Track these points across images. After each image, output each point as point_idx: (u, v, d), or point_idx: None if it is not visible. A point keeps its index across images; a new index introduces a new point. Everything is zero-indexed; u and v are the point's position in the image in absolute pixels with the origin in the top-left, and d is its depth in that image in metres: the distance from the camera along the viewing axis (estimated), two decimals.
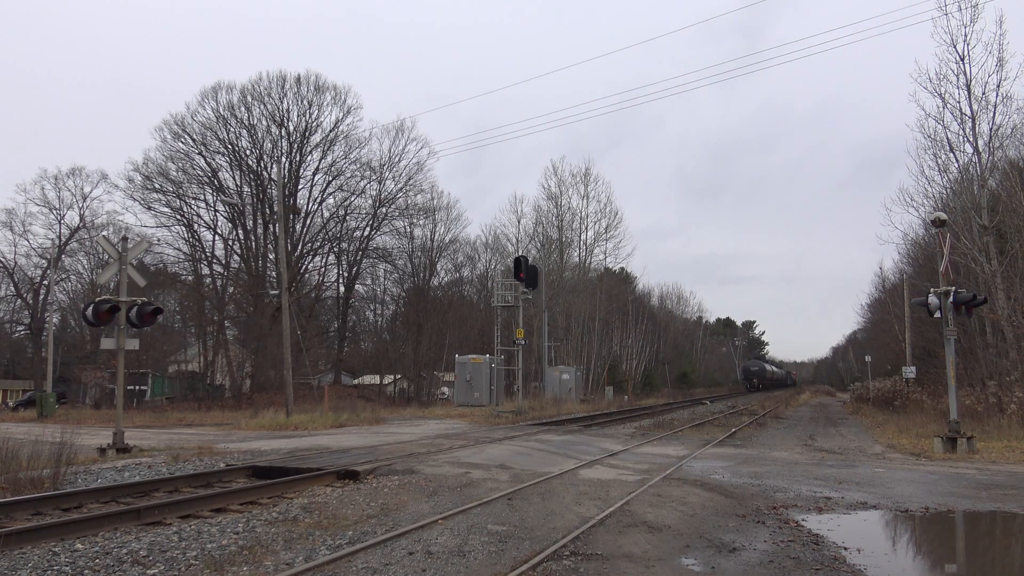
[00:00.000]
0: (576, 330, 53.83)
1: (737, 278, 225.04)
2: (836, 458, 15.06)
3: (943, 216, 17.43)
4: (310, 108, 46.69)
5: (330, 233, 48.77)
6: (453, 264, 57.29)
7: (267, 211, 45.38)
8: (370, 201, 49.15)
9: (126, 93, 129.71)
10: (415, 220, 50.56)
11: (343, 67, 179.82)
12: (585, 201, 56.83)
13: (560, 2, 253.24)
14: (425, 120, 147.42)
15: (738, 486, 10.73)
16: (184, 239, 46.21)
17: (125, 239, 16.81)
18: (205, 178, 46.02)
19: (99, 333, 32.93)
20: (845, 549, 6.92)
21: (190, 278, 47.33)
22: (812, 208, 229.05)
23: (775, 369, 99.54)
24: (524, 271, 29.09)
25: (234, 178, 46.85)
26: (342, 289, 51.53)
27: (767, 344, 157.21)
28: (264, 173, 46.34)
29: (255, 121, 46.03)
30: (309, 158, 47.48)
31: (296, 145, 46.78)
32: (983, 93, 23.77)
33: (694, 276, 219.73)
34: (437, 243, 52.04)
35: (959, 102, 24.23)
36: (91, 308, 15.52)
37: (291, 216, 44.08)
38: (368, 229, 49.49)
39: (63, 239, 51.06)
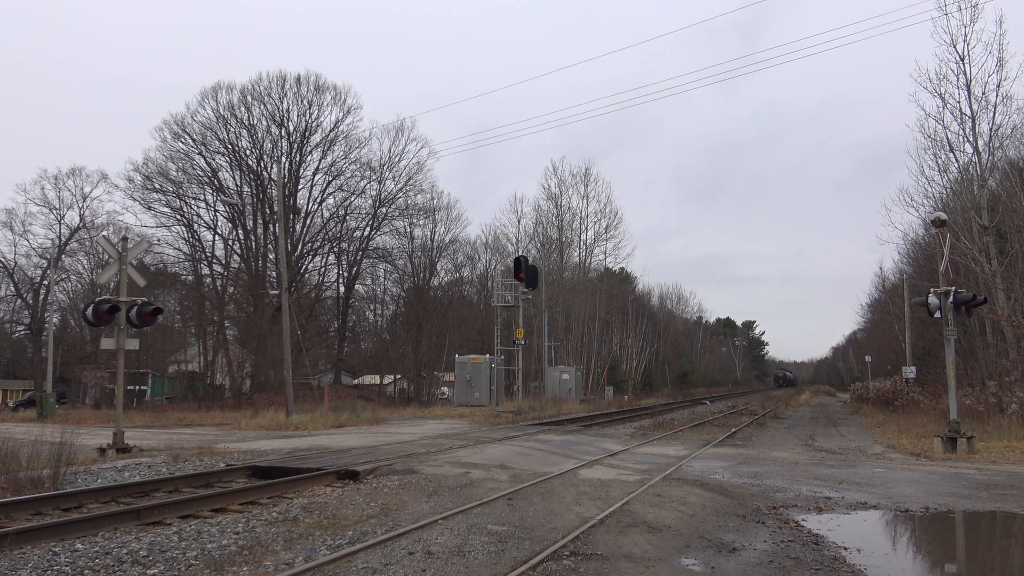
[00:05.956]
0: (576, 330, 53.83)
1: (737, 278, 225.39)
2: (836, 458, 15.06)
3: (943, 216, 17.42)
4: (310, 108, 46.70)
5: (330, 233, 48.77)
6: (453, 264, 57.32)
7: (267, 211, 45.35)
8: (370, 201, 49.17)
9: (126, 93, 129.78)
10: (415, 220, 50.57)
11: (343, 67, 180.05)
12: (585, 201, 56.84)
13: (560, 2, 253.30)
14: (425, 120, 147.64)
15: (738, 486, 10.72)
16: (184, 239, 46.22)
17: (125, 239, 16.81)
18: (205, 178, 46.02)
19: (99, 333, 32.92)
20: (845, 549, 6.92)
21: (190, 278, 47.29)
22: (812, 208, 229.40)
23: (789, 373, 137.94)
24: (524, 271, 29.09)
25: (234, 178, 46.86)
26: (342, 289, 51.51)
27: (767, 344, 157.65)
28: (264, 173, 46.33)
29: (255, 121, 46.03)
30: (309, 158, 47.50)
31: (296, 145, 46.78)
32: (983, 93, 23.79)
33: (694, 276, 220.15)
34: (437, 243, 52.06)
35: (959, 102, 24.25)
36: (91, 308, 15.51)
37: (291, 216, 44.06)
38: (368, 229, 49.51)
39: (63, 239, 51.00)
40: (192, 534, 7.27)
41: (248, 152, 46.35)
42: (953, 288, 16.82)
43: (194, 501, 8.91)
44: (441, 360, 48.19)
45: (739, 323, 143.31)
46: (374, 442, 16.80)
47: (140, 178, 44.42)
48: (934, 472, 12.73)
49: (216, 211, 46.54)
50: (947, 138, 24.85)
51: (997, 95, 23.46)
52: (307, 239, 47.57)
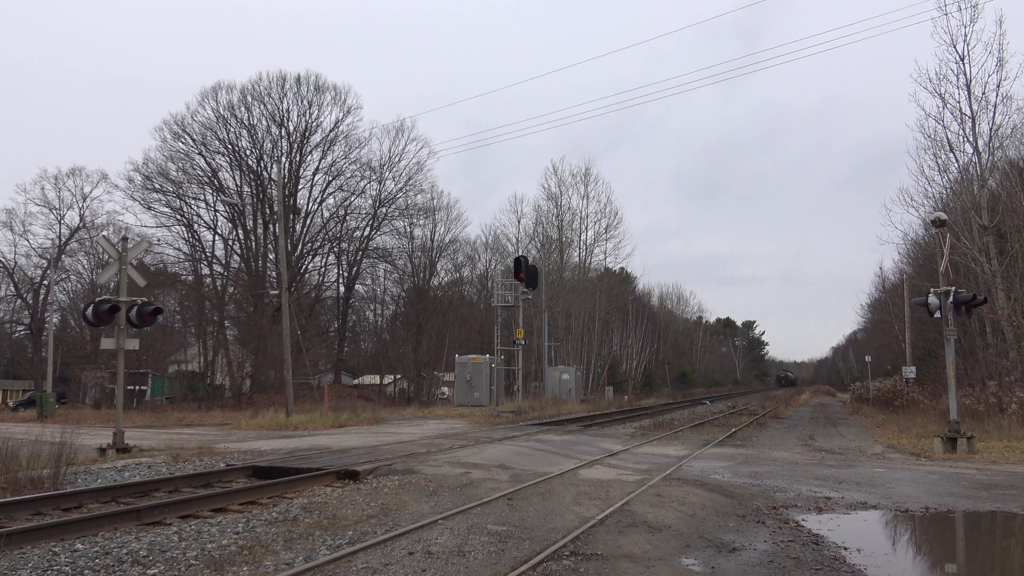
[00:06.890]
0: (576, 330, 53.82)
1: (737, 278, 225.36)
2: (836, 458, 15.06)
3: (943, 216, 17.42)
4: (310, 108, 46.67)
5: (330, 233, 48.73)
6: (453, 264, 57.31)
7: (267, 211, 45.32)
8: (370, 201, 49.13)
9: (126, 93, 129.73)
10: (415, 220, 50.52)
11: (343, 67, 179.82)
12: (585, 201, 56.87)
13: (560, 2, 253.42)
14: (425, 120, 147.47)
15: (738, 486, 10.73)
16: (184, 239, 46.18)
17: (125, 239, 16.81)
18: (205, 178, 45.98)
19: (99, 333, 32.91)
20: (845, 549, 6.92)
21: (190, 278, 47.27)
22: (812, 208, 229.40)
23: (790, 374, 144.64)
24: (524, 271, 29.09)
25: (234, 178, 46.83)
26: (342, 289, 51.48)
27: (767, 344, 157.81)
28: (264, 173, 46.31)
29: (255, 121, 46.00)
30: (309, 158, 47.46)
31: (296, 145, 46.76)
32: (983, 93, 23.78)
33: (694, 276, 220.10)
34: (437, 243, 52.02)
35: (959, 102, 24.24)
36: (91, 308, 15.51)
37: (291, 216, 44.03)
38: (368, 229, 49.46)
39: (63, 239, 50.96)
40: (192, 534, 7.28)
41: (248, 152, 46.37)
42: (953, 288, 16.81)
43: (194, 501, 8.91)
44: (441, 360, 48.18)
45: (739, 323, 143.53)
46: (374, 442, 16.80)
47: (140, 178, 44.42)
48: (934, 472, 12.73)
49: (216, 211, 46.56)
50: (947, 138, 24.87)
51: (997, 95, 23.49)
52: (307, 239, 47.57)
